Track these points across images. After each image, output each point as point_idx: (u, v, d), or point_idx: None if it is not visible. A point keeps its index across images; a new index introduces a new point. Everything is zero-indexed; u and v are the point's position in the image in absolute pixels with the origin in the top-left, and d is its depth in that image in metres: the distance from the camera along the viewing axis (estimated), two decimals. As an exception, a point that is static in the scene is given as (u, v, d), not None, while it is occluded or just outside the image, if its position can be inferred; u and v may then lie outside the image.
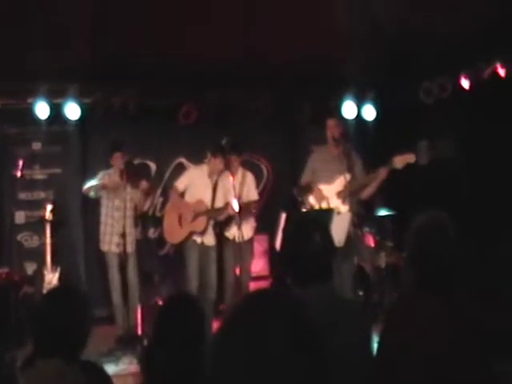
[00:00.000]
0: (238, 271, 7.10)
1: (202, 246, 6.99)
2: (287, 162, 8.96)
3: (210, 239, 7.06)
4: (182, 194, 7.09)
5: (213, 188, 7.04)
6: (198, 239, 6.98)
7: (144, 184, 7.19)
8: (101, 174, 7.17)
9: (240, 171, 7.33)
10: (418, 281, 2.63)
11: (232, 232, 7.08)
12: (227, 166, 7.11)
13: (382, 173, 6.16)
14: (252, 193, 7.37)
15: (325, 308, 2.45)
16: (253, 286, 7.28)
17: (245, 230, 6.92)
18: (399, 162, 6.00)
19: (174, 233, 7.12)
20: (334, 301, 2.77)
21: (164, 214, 7.52)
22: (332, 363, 1.41)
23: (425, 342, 2.40)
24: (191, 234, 6.96)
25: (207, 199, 7.01)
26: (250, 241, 7.34)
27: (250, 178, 7.44)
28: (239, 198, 6.79)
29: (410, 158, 5.96)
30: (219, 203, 7.03)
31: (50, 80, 7.46)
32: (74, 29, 6.00)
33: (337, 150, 6.63)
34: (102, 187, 7.05)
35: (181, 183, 7.11)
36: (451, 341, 2.39)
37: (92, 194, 7.13)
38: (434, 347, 2.40)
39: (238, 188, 7.07)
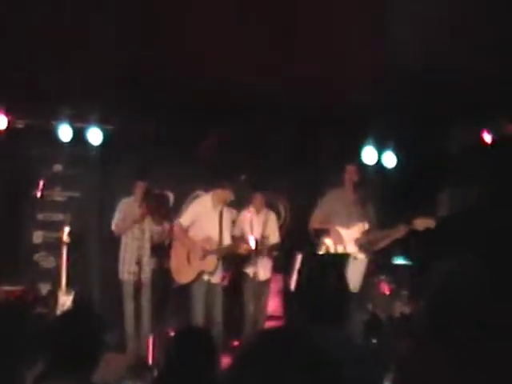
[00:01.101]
0: (253, 309, 6.99)
1: (209, 284, 6.83)
2: (304, 201, 8.91)
3: (217, 277, 6.90)
4: (187, 229, 6.92)
5: (219, 220, 6.89)
6: (205, 277, 6.81)
7: (165, 226, 7.23)
8: (121, 205, 7.22)
9: (264, 210, 7.27)
10: (432, 330, 2.62)
11: (251, 269, 6.94)
12: (250, 203, 7.13)
13: (401, 231, 6.34)
14: (274, 235, 7.26)
15: (336, 351, 2.45)
16: (266, 325, 7.15)
17: (263, 270, 6.87)
18: (420, 224, 6.19)
19: (182, 271, 6.92)
20: (346, 344, 2.77)
21: (170, 252, 7.23)
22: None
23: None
24: (200, 273, 6.80)
25: (214, 234, 6.83)
26: (268, 281, 7.22)
27: (272, 219, 7.37)
28: (262, 238, 6.74)
29: (430, 223, 6.15)
30: (226, 236, 6.91)
31: (73, 103, 7.50)
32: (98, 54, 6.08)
33: (354, 196, 6.68)
34: (132, 225, 7.10)
35: (185, 219, 6.92)
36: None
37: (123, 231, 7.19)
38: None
39: (261, 227, 7.02)
